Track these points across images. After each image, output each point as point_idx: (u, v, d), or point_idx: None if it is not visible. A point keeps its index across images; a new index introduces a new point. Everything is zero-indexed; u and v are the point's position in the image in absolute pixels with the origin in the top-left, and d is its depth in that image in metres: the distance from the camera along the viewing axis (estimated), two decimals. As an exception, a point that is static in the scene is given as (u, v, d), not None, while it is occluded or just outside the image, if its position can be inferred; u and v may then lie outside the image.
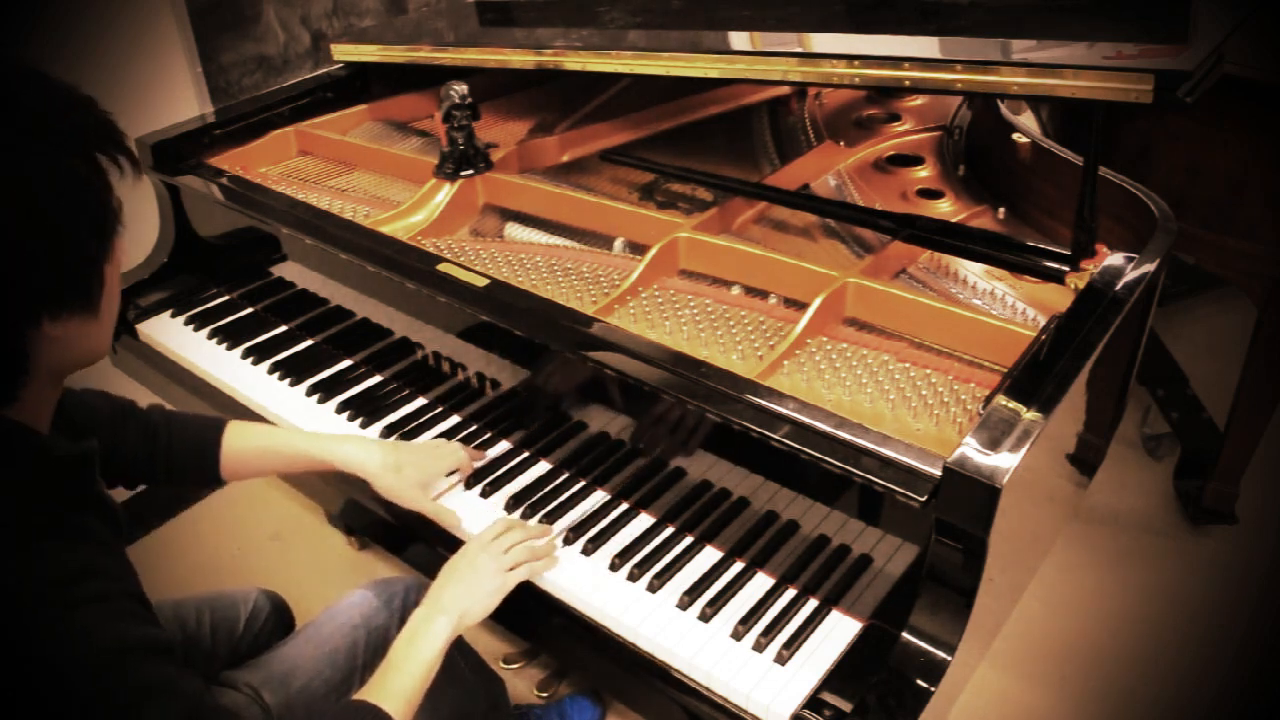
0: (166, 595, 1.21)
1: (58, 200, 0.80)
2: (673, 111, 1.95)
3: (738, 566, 1.21)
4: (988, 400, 1.08)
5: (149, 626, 0.85)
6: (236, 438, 1.29)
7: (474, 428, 1.46)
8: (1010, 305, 1.36)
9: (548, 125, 1.88)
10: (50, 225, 0.79)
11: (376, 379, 1.59)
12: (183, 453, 1.26)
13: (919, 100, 2.03)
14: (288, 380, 1.59)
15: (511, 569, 1.18)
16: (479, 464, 1.39)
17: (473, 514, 1.31)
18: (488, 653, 1.56)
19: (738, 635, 1.12)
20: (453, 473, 1.36)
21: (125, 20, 1.97)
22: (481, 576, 1.17)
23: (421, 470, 1.31)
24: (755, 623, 1.13)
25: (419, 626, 1.12)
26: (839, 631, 1.12)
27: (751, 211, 1.60)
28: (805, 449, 1.07)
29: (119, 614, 0.82)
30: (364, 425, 1.48)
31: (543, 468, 1.38)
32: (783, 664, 1.08)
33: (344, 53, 1.97)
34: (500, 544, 1.20)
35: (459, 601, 1.14)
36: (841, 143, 1.81)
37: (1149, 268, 1.29)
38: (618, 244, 1.55)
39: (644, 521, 1.29)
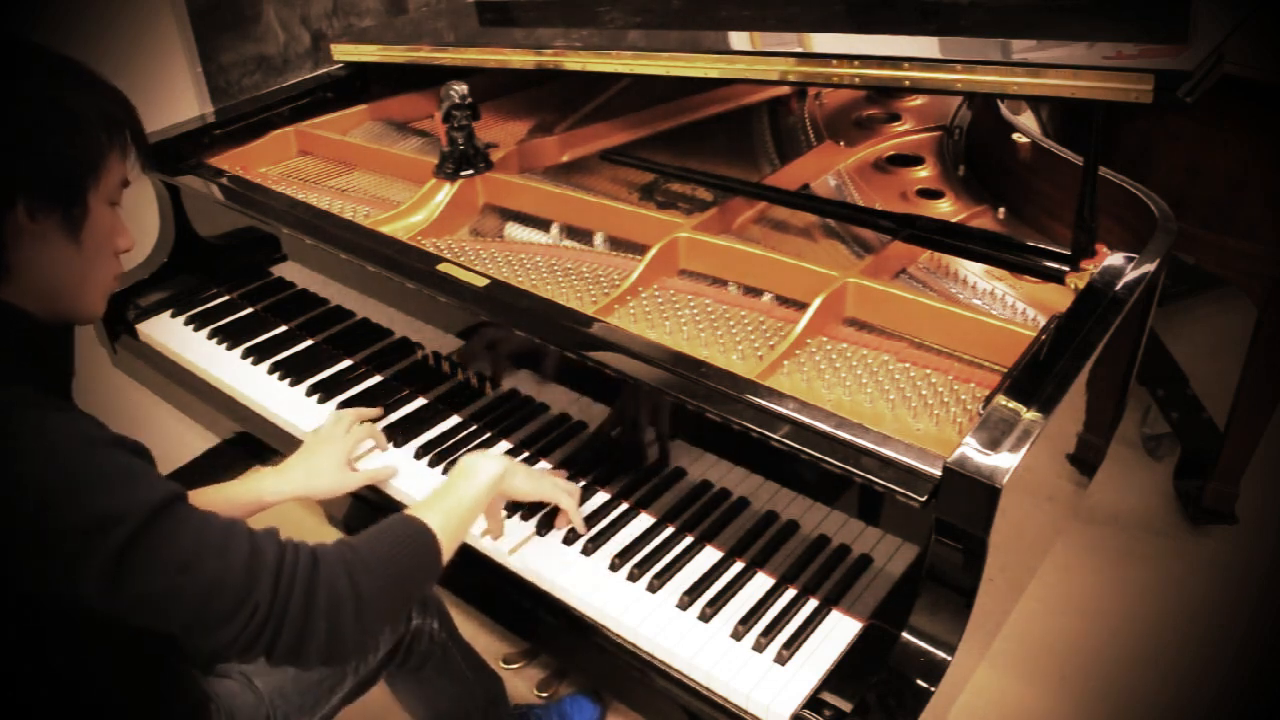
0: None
1: (52, 109, 0.88)
2: (673, 111, 1.95)
3: (738, 566, 1.21)
4: (988, 400, 1.08)
5: (118, 435, 0.88)
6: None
7: (474, 427, 1.46)
8: (1010, 305, 1.36)
9: (548, 125, 1.88)
10: (38, 118, 0.88)
11: (376, 379, 1.59)
12: None
13: (919, 100, 2.03)
14: (288, 380, 1.59)
15: (558, 489, 1.25)
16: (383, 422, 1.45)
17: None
18: (488, 652, 1.56)
19: (738, 635, 1.12)
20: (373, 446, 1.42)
21: (125, 20, 1.97)
22: (535, 474, 1.24)
23: (336, 457, 1.34)
24: (755, 623, 1.13)
25: (473, 460, 1.19)
26: (839, 631, 1.12)
27: (751, 211, 1.60)
28: (805, 449, 1.07)
29: (88, 421, 0.88)
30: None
31: (543, 467, 1.38)
32: (783, 664, 1.08)
33: (344, 53, 1.97)
34: (558, 481, 1.27)
35: (512, 463, 1.21)
36: (841, 143, 1.81)
37: (1149, 268, 1.29)
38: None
39: (644, 521, 1.29)
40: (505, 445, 1.43)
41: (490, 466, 1.18)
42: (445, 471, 1.38)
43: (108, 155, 0.93)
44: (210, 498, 1.25)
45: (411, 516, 1.05)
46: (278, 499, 1.30)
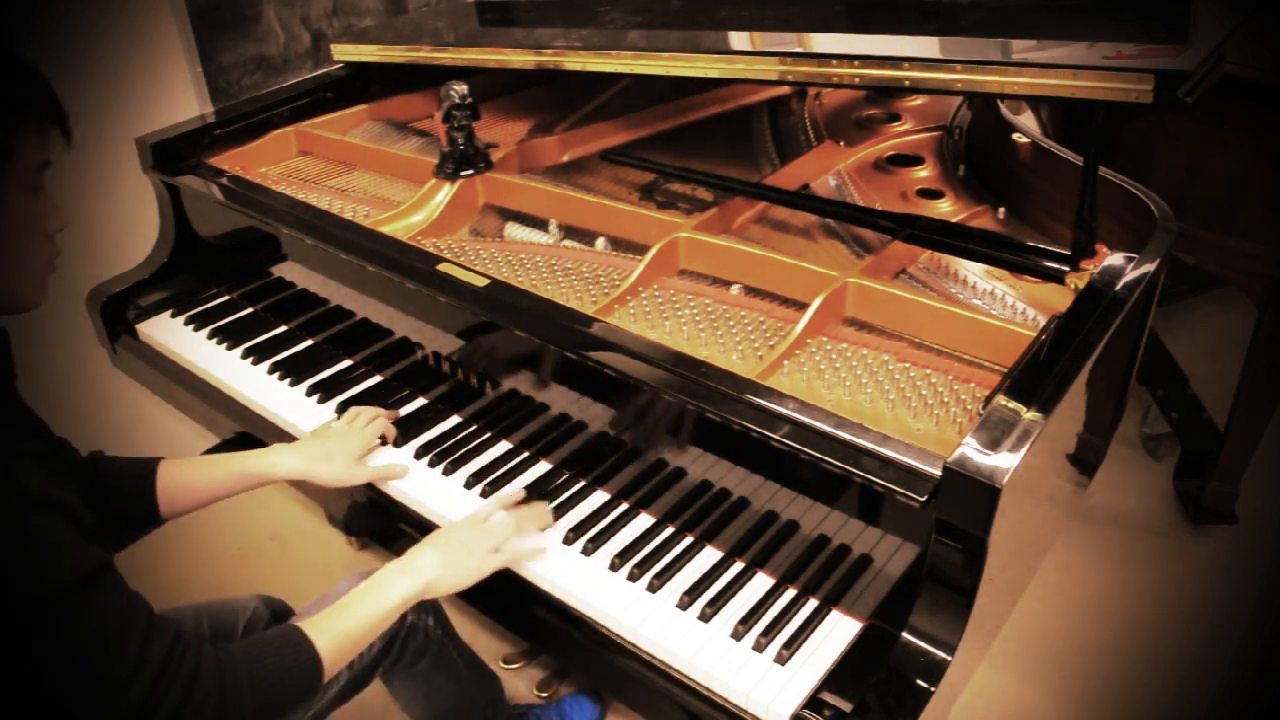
0: (166, 597, 1.21)
1: None
2: (673, 111, 1.95)
3: (738, 566, 1.21)
4: (988, 400, 1.08)
5: (54, 487, 0.86)
6: (170, 472, 1.28)
7: (474, 427, 1.46)
8: (1010, 305, 1.36)
9: (548, 125, 1.88)
10: None
11: (376, 379, 1.59)
12: (119, 495, 1.25)
13: (919, 100, 2.03)
14: (288, 380, 1.59)
15: (495, 552, 1.19)
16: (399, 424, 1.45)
17: (458, 502, 1.32)
18: (487, 652, 1.56)
19: (738, 635, 1.12)
20: (383, 440, 1.43)
21: (125, 20, 1.97)
22: (462, 554, 1.17)
23: (350, 448, 1.35)
24: (755, 623, 1.13)
25: (383, 578, 1.12)
26: (839, 631, 1.12)
27: (751, 211, 1.60)
28: (805, 449, 1.07)
29: (25, 471, 0.84)
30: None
31: (543, 468, 1.38)
32: (783, 664, 1.08)
33: (344, 53, 1.97)
34: (490, 526, 1.21)
35: (431, 569, 1.14)
36: (841, 143, 1.81)
37: (1149, 268, 1.29)
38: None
39: (644, 521, 1.29)
40: (505, 445, 1.43)
41: (404, 586, 1.11)
42: (445, 472, 1.38)
43: (13, 141, 0.87)
44: (189, 467, 1.29)
45: (302, 637, 1.02)
46: (283, 474, 1.31)
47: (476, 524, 1.21)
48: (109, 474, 1.25)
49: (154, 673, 0.88)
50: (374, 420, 1.41)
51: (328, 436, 1.37)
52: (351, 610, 1.08)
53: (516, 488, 1.34)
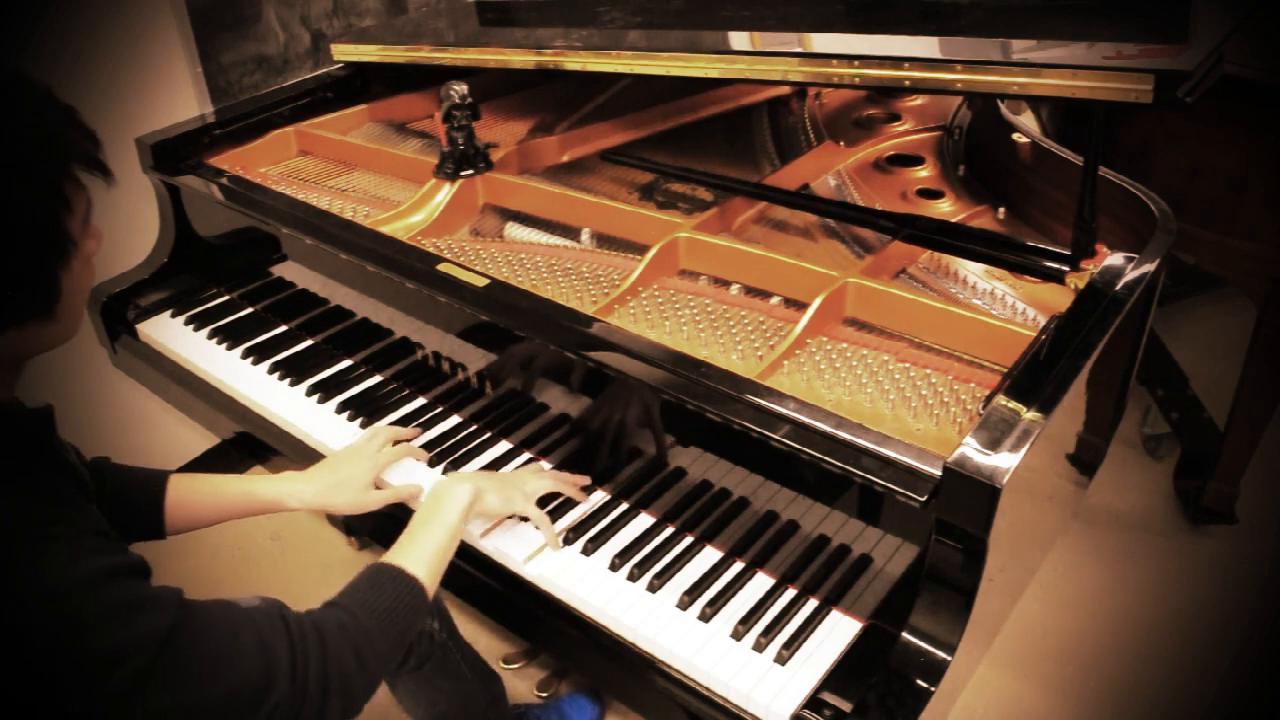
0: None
1: (8, 233, 0.80)
2: (673, 111, 1.95)
3: (738, 566, 1.21)
4: (988, 400, 1.08)
5: (116, 555, 0.87)
6: (180, 488, 1.26)
7: (474, 428, 1.46)
8: (1010, 305, 1.36)
9: (548, 125, 1.88)
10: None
11: (376, 379, 1.59)
12: (125, 505, 1.22)
13: (919, 100, 2.03)
14: (288, 380, 1.59)
15: (531, 503, 1.25)
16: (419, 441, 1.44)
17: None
18: (488, 652, 1.56)
19: (738, 635, 1.12)
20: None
21: (125, 20, 1.97)
22: (507, 487, 1.23)
23: (361, 476, 1.32)
24: (755, 623, 1.13)
25: (441, 492, 1.17)
26: (839, 631, 1.12)
27: (751, 211, 1.60)
28: (805, 449, 1.07)
29: (88, 550, 0.85)
30: (364, 425, 1.48)
31: (542, 468, 1.38)
32: (783, 664, 1.08)
33: (344, 53, 1.97)
34: (534, 483, 1.27)
35: (483, 484, 1.20)
36: (841, 143, 1.81)
37: (1149, 268, 1.29)
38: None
39: (644, 521, 1.29)
40: (505, 445, 1.43)
41: (460, 497, 1.17)
42: (445, 472, 1.38)
43: (68, 189, 0.85)
44: (198, 485, 1.26)
45: (398, 569, 1.06)
46: (295, 506, 1.28)
47: (520, 477, 1.27)
48: (115, 483, 1.23)
49: (288, 663, 0.90)
50: (389, 443, 1.38)
51: (339, 464, 1.32)
52: (424, 530, 1.13)
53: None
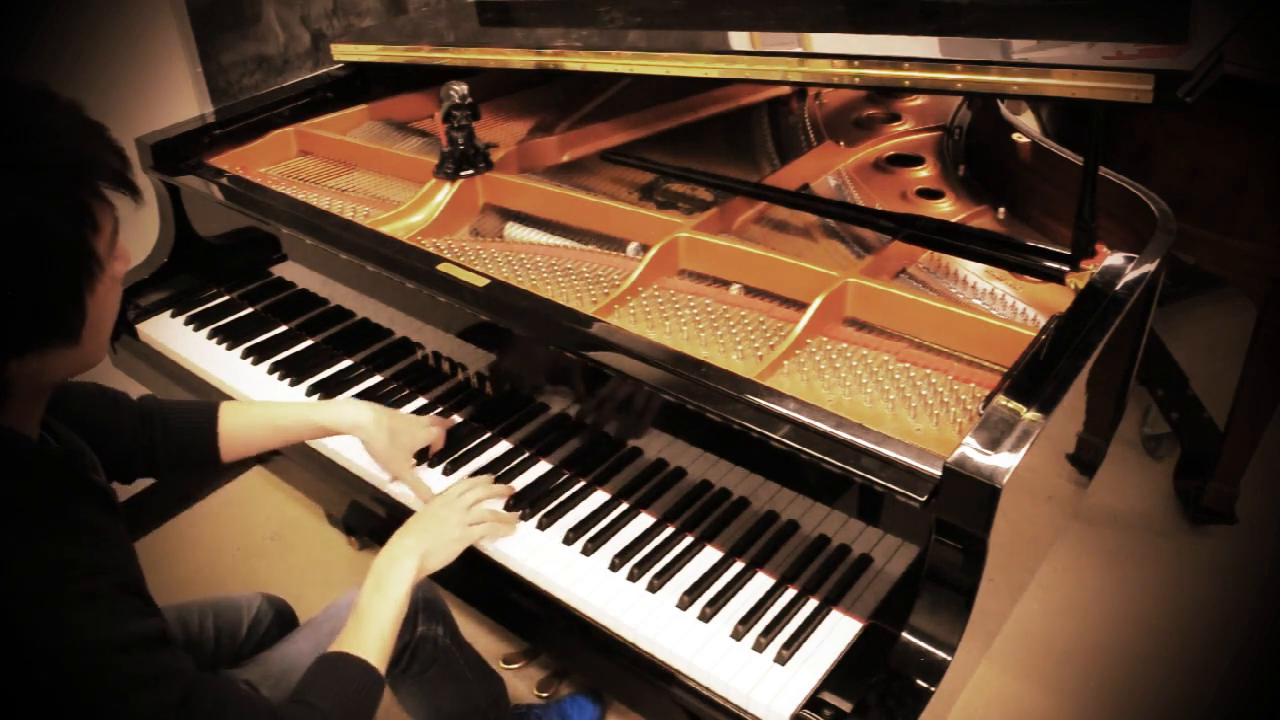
0: (167, 596, 1.21)
1: (34, 253, 0.79)
2: (673, 111, 1.95)
3: (738, 566, 1.21)
4: (988, 400, 1.08)
5: (140, 619, 0.87)
6: (232, 416, 1.32)
7: (474, 427, 1.46)
8: (1010, 305, 1.36)
9: (548, 125, 1.88)
10: (23, 276, 0.79)
11: (376, 379, 1.59)
12: (180, 439, 1.28)
13: (919, 100, 2.03)
14: (288, 380, 1.59)
15: (473, 525, 1.23)
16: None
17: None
18: (488, 653, 1.56)
19: (738, 635, 1.12)
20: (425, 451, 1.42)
21: (125, 20, 1.97)
22: (444, 526, 1.21)
23: (410, 437, 1.36)
24: (755, 623, 1.13)
25: (384, 570, 1.15)
26: (839, 631, 1.12)
27: (751, 211, 1.60)
28: (805, 449, 1.07)
29: (110, 611, 0.84)
30: (364, 425, 1.48)
31: (543, 468, 1.39)
32: (783, 664, 1.08)
33: (344, 53, 1.97)
34: (464, 500, 1.25)
35: (422, 544, 1.18)
36: (841, 143, 1.81)
37: (1149, 268, 1.29)
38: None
39: (644, 521, 1.29)
40: (505, 445, 1.43)
41: (403, 576, 1.15)
42: (445, 473, 1.38)
43: (91, 244, 0.83)
44: (253, 412, 1.33)
45: (356, 658, 1.07)
46: (349, 426, 1.33)
47: (450, 500, 1.25)
48: (167, 417, 1.27)
49: None
50: (430, 430, 1.40)
51: (396, 416, 1.37)
52: (372, 614, 1.12)
53: (517, 488, 1.34)
